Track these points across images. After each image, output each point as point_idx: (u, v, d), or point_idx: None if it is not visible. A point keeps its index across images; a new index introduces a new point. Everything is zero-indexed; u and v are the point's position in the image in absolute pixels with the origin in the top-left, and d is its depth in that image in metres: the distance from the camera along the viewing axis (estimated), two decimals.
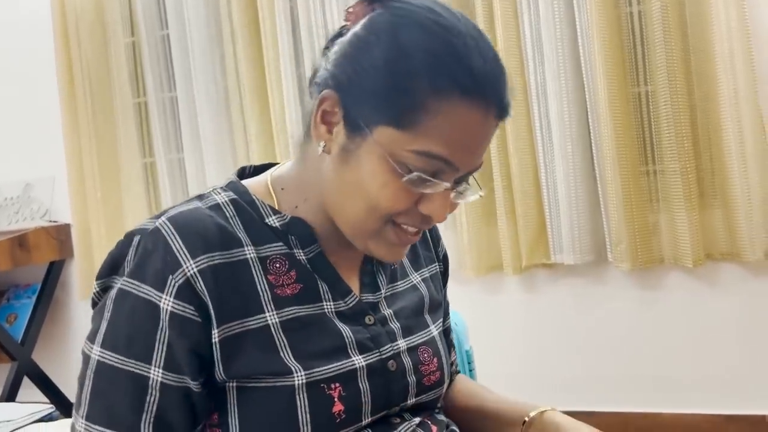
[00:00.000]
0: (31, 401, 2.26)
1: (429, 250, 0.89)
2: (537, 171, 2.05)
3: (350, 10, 0.72)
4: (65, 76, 2.53)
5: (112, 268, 0.71)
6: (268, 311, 0.70)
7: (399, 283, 0.82)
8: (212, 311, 0.68)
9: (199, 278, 0.67)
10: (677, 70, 1.87)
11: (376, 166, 0.67)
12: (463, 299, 0.93)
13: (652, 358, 2.06)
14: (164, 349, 0.67)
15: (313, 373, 0.69)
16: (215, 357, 0.68)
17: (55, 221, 2.67)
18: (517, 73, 2.03)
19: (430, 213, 0.69)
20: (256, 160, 2.35)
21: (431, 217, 0.70)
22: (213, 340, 0.68)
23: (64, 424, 1.54)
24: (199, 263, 0.68)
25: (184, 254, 0.67)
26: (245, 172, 0.81)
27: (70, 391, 2.67)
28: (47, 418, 1.57)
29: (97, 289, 0.72)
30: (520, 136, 2.04)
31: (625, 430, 2.08)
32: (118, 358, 0.68)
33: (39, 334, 2.65)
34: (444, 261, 0.92)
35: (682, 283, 2.01)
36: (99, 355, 0.69)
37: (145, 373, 0.67)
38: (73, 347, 2.78)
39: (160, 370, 0.67)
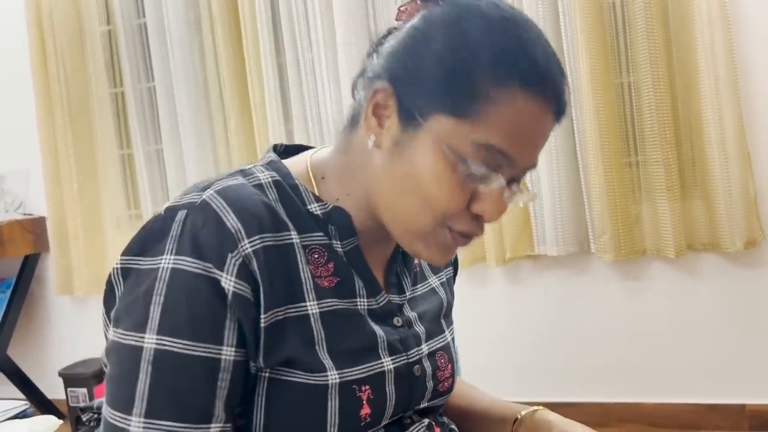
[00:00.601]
0: (6, 398, 2.21)
1: None
2: None
3: (402, 8, 0.70)
4: (39, 66, 2.47)
5: (147, 244, 0.64)
6: (309, 300, 0.67)
7: (419, 286, 0.81)
8: (262, 294, 0.64)
9: (253, 259, 0.64)
10: (659, 60, 1.87)
11: (431, 159, 0.64)
12: None
13: (634, 349, 2.07)
14: (234, 326, 0.63)
15: (346, 373, 0.67)
16: (260, 342, 0.65)
17: (29, 214, 2.62)
18: None
19: (483, 212, 0.66)
20: (237, 151, 2.33)
21: (483, 217, 0.67)
22: (261, 325, 0.64)
23: (39, 420, 1.50)
24: (254, 243, 0.64)
25: (240, 232, 0.63)
26: (277, 150, 0.77)
27: (45, 387, 2.62)
28: (22, 415, 1.54)
29: (122, 266, 0.65)
30: None
31: (606, 421, 2.09)
32: (183, 344, 0.61)
33: (14, 329, 2.59)
34: (455, 264, 0.90)
35: (664, 273, 2.01)
36: (157, 344, 0.61)
37: (217, 355, 0.62)
38: (49, 342, 2.73)
39: (233, 349, 0.63)
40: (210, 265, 0.62)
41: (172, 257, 0.63)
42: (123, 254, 0.66)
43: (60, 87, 2.46)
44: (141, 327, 0.62)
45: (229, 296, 0.62)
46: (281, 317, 0.65)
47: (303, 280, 0.67)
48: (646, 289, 2.04)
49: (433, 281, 0.83)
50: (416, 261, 0.81)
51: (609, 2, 1.98)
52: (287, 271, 0.66)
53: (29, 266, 2.62)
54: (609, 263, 2.03)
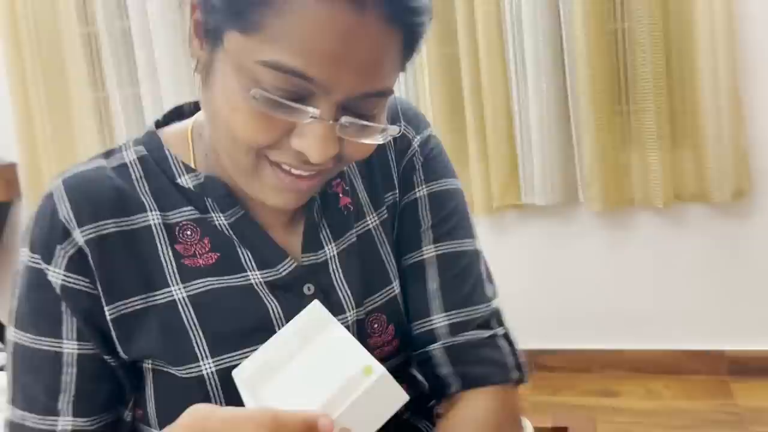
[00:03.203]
0: None
1: (388, 174, 0.70)
2: (510, 109, 2.01)
3: None
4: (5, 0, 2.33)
5: (24, 234, 0.64)
6: (173, 284, 0.61)
7: (353, 232, 0.67)
8: (101, 287, 0.60)
9: (87, 249, 0.60)
10: (655, 7, 1.84)
11: (227, 85, 0.53)
12: None
13: (619, 298, 2.09)
14: (71, 320, 0.61)
15: (225, 359, 0.59)
16: (113, 335, 0.62)
17: None
18: (493, 6, 1.96)
19: (302, 149, 0.53)
20: None
21: (305, 150, 0.53)
22: (107, 318, 0.61)
23: None
24: (86, 232, 0.60)
25: (71, 221, 0.60)
26: (183, 111, 0.70)
27: None
28: None
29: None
30: (494, 75, 1.98)
31: (589, 367, 2.13)
32: (29, 337, 0.62)
33: None
34: (406, 174, 0.70)
35: (652, 223, 2.03)
36: (14, 336, 0.63)
37: (58, 349, 0.61)
38: None
39: (75, 342, 0.61)
40: (38, 257, 0.60)
41: (22, 249, 0.63)
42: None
43: (28, 27, 2.32)
44: (10, 319, 0.64)
45: (58, 290, 0.60)
46: (134, 308, 0.61)
47: (164, 264, 0.61)
48: (633, 238, 2.06)
49: (372, 221, 0.68)
50: (345, 201, 0.67)
51: None
52: (140, 258, 0.61)
53: (0, 214, 2.53)
54: (597, 213, 2.04)
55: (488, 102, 1.99)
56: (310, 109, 0.51)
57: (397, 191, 0.70)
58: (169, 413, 0.60)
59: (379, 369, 0.50)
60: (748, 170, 1.89)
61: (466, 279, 0.70)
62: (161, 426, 0.63)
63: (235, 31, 0.51)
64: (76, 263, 0.60)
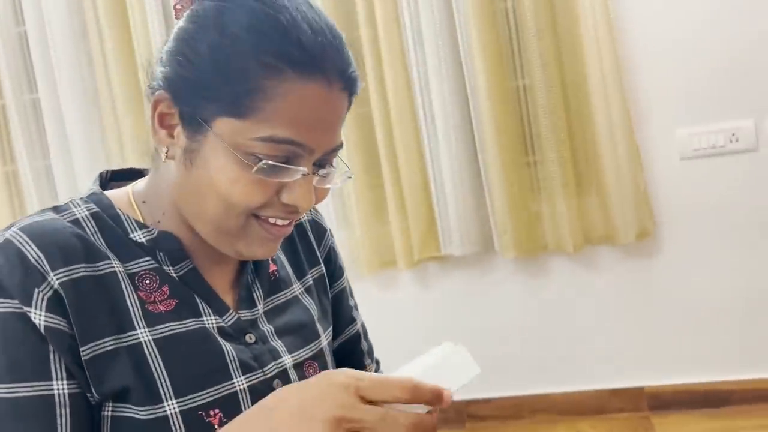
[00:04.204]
0: None
1: (312, 252, 0.83)
2: (424, 165, 2.07)
3: (177, 6, 0.67)
4: None
5: None
6: (140, 328, 0.64)
7: (280, 295, 0.76)
8: (76, 328, 0.61)
9: (62, 292, 0.61)
10: (550, 63, 1.95)
11: (222, 162, 0.62)
12: (358, 296, 0.91)
13: (540, 342, 2.14)
14: (59, 359, 0.61)
15: (188, 400, 0.63)
16: (87, 376, 0.62)
17: None
18: (401, 68, 2.04)
19: (293, 202, 0.64)
20: (134, 163, 2.22)
21: (296, 206, 0.64)
22: (82, 358, 0.62)
23: None
24: (59, 275, 0.61)
25: (44, 266, 0.61)
26: (104, 178, 0.74)
27: None
28: None
29: None
30: (406, 131, 2.05)
31: (519, 413, 2.15)
32: (8, 388, 0.59)
33: None
34: (329, 257, 0.85)
35: (564, 267, 2.10)
36: None
37: (48, 391, 0.60)
38: None
39: (65, 382, 0.61)
40: (15, 302, 0.60)
41: None
42: None
43: None
44: None
45: (42, 330, 0.60)
46: (104, 349, 0.62)
47: (130, 308, 0.64)
48: (548, 283, 2.12)
49: (297, 288, 0.79)
50: (272, 268, 0.77)
51: (502, 8, 2.04)
52: (109, 301, 0.64)
53: None
54: (512, 260, 2.10)
55: (402, 158, 2.05)
56: (301, 168, 0.63)
57: (323, 267, 0.83)
58: None
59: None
60: (651, 211, 2.00)
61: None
62: None
63: (227, 117, 0.61)
64: (54, 305, 0.61)
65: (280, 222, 0.66)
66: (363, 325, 0.90)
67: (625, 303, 2.09)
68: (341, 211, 2.16)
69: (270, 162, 0.61)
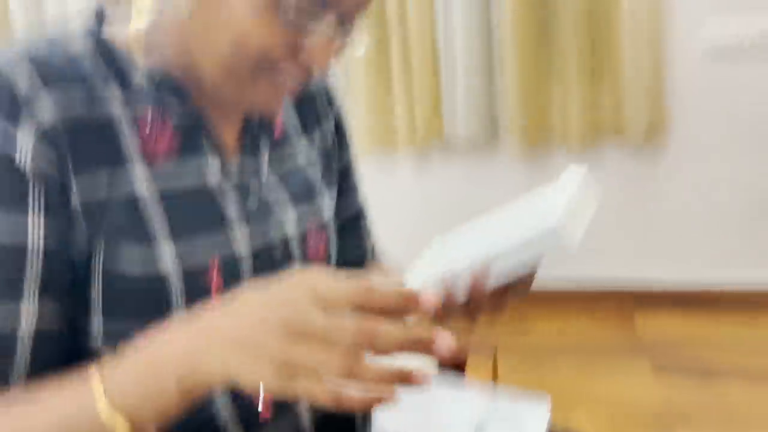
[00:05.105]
0: None
1: (325, 117, 0.78)
2: (435, 39, 2.00)
3: None
4: None
5: None
6: (137, 179, 0.60)
7: (286, 153, 0.72)
8: (68, 168, 0.57)
9: (57, 127, 0.56)
10: None
11: None
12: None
13: None
14: (38, 194, 0.56)
15: (187, 258, 0.60)
16: (79, 224, 0.58)
17: None
18: None
19: (311, 62, 0.59)
20: None
21: (311, 66, 0.59)
22: (73, 201, 0.57)
23: None
24: (55, 110, 0.57)
25: (36, 98, 0.56)
26: (99, 16, 0.66)
27: None
28: None
29: None
30: (422, 8, 1.96)
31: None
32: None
33: None
34: (339, 126, 0.80)
35: (570, 159, 2.06)
36: None
37: (22, 238, 0.56)
38: None
39: (41, 230, 0.56)
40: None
41: None
42: None
43: None
44: None
45: (27, 167, 0.56)
46: (102, 196, 0.59)
47: (129, 152, 0.60)
48: (552, 178, 2.09)
49: (304, 147, 0.75)
50: (279, 127, 0.73)
51: None
52: (106, 143, 0.59)
53: None
54: (516, 153, 2.06)
55: (413, 29, 1.97)
56: (325, 24, 0.58)
57: (334, 134, 0.79)
58: (120, 324, 0.59)
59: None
60: (663, 106, 1.93)
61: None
62: (108, 340, 0.60)
63: None
64: (45, 141, 0.56)
65: (290, 82, 0.61)
66: (365, 209, 0.86)
67: (628, 203, 2.07)
68: (347, 85, 2.10)
69: (299, 5, 0.56)
